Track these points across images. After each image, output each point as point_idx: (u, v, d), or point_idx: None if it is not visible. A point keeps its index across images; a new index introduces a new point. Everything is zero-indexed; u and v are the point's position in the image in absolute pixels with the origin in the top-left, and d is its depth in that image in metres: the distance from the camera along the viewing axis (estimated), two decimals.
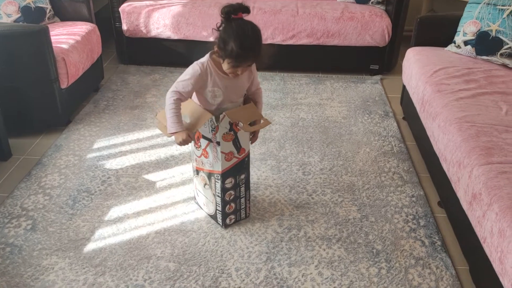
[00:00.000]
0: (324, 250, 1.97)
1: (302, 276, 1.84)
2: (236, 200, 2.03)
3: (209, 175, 1.97)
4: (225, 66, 1.71)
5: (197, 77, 1.75)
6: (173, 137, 1.82)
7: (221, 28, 1.68)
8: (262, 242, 2.00)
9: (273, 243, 2.00)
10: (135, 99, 3.22)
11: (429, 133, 2.32)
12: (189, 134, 1.78)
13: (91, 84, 3.26)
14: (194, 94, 1.85)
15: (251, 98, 1.95)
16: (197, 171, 2.07)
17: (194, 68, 1.77)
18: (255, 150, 2.62)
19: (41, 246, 1.96)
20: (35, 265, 1.87)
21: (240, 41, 1.62)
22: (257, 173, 2.44)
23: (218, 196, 1.98)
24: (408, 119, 2.93)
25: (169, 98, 1.76)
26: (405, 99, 2.93)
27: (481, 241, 1.67)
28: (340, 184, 2.38)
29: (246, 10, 1.67)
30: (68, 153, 2.59)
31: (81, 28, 3.07)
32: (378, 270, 1.87)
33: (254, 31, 1.67)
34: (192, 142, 1.98)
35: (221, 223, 2.06)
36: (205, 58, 1.79)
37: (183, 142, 1.78)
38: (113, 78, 3.53)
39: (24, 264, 1.87)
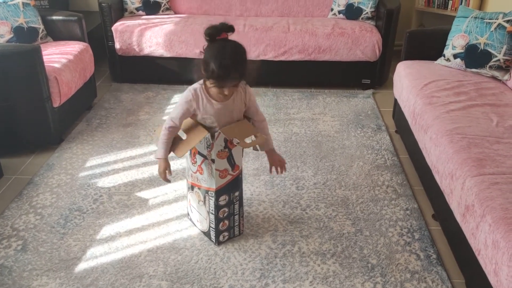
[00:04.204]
0: (319, 265, 1.95)
1: None
2: (230, 217, 2.01)
3: (204, 191, 1.96)
4: (211, 87, 1.71)
5: (188, 103, 1.78)
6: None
7: (204, 49, 1.68)
8: (256, 258, 1.98)
9: (267, 260, 1.97)
10: (128, 117, 3.22)
11: (421, 145, 2.33)
12: (166, 165, 1.85)
13: (84, 102, 3.26)
14: None
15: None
16: (192, 187, 2.06)
17: (186, 95, 1.79)
18: (248, 166, 2.61)
19: (32, 266, 1.93)
20: (25, 286, 1.83)
21: (219, 61, 1.61)
22: (250, 188, 2.43)
23: (212, 213, 1.96)
24: (400, 132, 2.94)
25: (164, 127, 1.83)
26: (397, 113, 2.95)
27: (476, 253, 1.66)
28: (334, 198, 2.37)
29: (230, 29, 1.66)
30: (60, 172, 2.57)
31: (73, 47, 3.08)
32: (374, 285, 1.85)
33: (234, 49, 1.65)
34: (189, 157, 1.97)
35: (214, 240, 2.03)
36: (198, 84, 1.80)
37: (160, 173, 1.87)
38: (106, 96, 3.54)
39: (14, 285, 1.84)
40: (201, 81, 1.80)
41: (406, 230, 2.15)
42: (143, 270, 1.92)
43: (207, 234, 2.06)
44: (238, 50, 1.67)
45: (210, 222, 2.00)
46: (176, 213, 2.25)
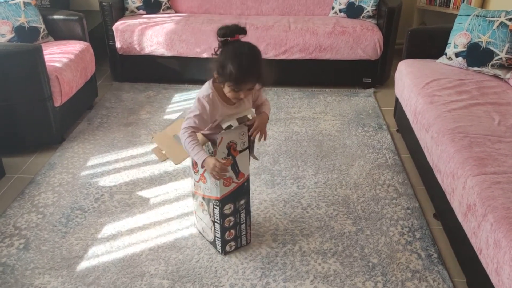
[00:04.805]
0: (320, 264, 1.95)
1: None
2: (236, 226, 1.96)
3: (208, 200, 1.91)
4: (226, 90, 1.66)
5: (208, 111, 1.69)
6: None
7: (218, 52, 1.63)
8: (257, 257, 1.98)
9: (267, 258, 1.97)
10: (129, 116, 3.23)
11: (422, 144, 2.33)
12: (215, 160, 1.66)
13: (85, 102, 3.26)
14: None
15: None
16: (196, 196, 2.01)
17: (201, 103, 1.70)
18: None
19: (34, 265, 1.93)
20: (28, 285, 1.84)
21: (238, 63, 1.57)
22: (251, 187, 2.41)
23: (217, 222, 1.91)
24: (401, 131, 2.94)
25: (183, 133, 1.70)
26: (398, 112, 2.94)
27: (477, 253, 1.65)
28: (335, 197, 2.37)
29: (242, 31, 1.63)
30: (62, 171, 2.58)
31: (74, 47, 3.08)
32: (375, 284, 1.85)
33: (251, 51, 1.62)
34: (191, 166, 1.93)
35: (220, 251, 1.98)
36: (208, 90, 1.72)
37: (216, 169, 1.65)
38: (107, 95, 3.54)
39: (17, 284, 1.84)
40: (209, 86, 1.73)
41: (407, 229, 2.15)
42: (145, 269, 1.92)
43: (213, 244, 2.01)
44: (255, 52, 1.63)
45: (215, 232, 1.95)
46: (177, 212, 2.26)
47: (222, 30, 1.61)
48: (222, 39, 1.62)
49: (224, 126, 1.74)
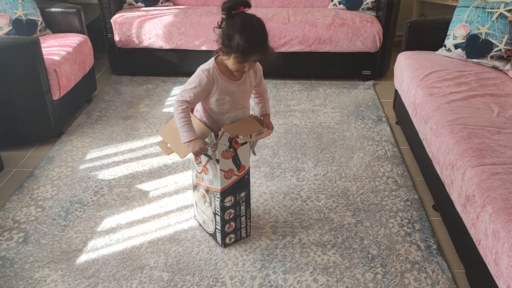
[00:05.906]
0: (319, 256, 1.95)
1: (297, 283, 1.82)
2: (236, 219, 1.96)
3: (209, 192, 1.91)
4: (231, 62, 1.64)
5: (204, 86, 1.69)
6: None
7: (223, 25, 1.62)
8: (257, 249, 1.99)
9: (267, 251, 1.98)
10: (128, 109, 3.22)
11: (421, 136, 2.32)
12: (204, 141, 1.72)
13: (83, 95, 3.25)
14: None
15: (257, 97, 1.92)
16: (197, 188, 2.01)
17: (199, 76, 1.69)
18: None
19: (33, 258, 1.94)
20: (27, 278, 1.84)
21: (246, 34, 1.56)
22: (251, 180, 2.42)
23: (217, 214, 1.91)
24: (401, 123, 2.94)
25: (177, 107, 1.70)
26: (398, 104, 2.94)
27: (476, 243, 1.66)
28: (334, 189, 2.37)
29: (247, 4, 1.62)
30: (61, 165, 2.58)
31: (72, 40, 3.07)
32: (374, 275, 1.86)
33: (259, 23, 1.62)
34: (193, 156, 1.92)
35: (220, 243, 1.99)
36: (210, 64, 1.71)
37: (200, 151, 1.71)
38: (106, 89, 3.53)
39: (16, 277, 1.85)
40: (212, 60, 1.72)
41: (406, 220, 2.15)
42: (144, 261, 1.92)
43: (213, 235, 2.02)
44: (262, 24, 1.63)
45: (216, 224, 1.95)
46: (177, 205, 2.26)
47: (227, 3, 1.60)
48: (227, 11, 1.61)
49: (241, 141, 1.78)
